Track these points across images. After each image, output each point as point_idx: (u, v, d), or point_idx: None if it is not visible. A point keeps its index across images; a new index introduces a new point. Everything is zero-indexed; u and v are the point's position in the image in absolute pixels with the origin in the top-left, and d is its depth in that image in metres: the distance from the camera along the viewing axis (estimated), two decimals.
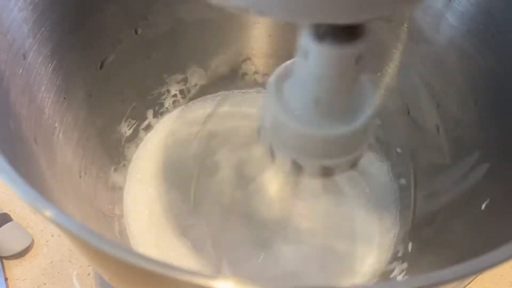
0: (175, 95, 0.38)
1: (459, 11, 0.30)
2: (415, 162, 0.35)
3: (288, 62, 0.22)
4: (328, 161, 0.21)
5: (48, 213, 0.16)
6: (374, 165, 0.36)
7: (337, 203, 0.34)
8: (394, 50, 0.34)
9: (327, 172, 0.22)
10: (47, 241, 0.39)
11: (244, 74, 0.40)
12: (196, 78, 0.39)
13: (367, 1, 0.15)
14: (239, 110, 0.39)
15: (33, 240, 0.39)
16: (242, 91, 0.40)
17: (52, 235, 0.40)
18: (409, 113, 0.36)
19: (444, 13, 0.30)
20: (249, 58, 0.39)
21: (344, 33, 0.18)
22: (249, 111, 0.38)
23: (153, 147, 0.36)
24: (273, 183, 0.34)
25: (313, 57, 0.18)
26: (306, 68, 0.19)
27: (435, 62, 0.32)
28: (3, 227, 0.38)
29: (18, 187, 0.17)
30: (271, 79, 0.21)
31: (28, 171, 0.21)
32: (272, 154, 0.23)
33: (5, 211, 0.40)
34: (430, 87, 0.33)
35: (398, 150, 0.36)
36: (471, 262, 0.16)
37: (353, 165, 0.22)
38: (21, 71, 0.24)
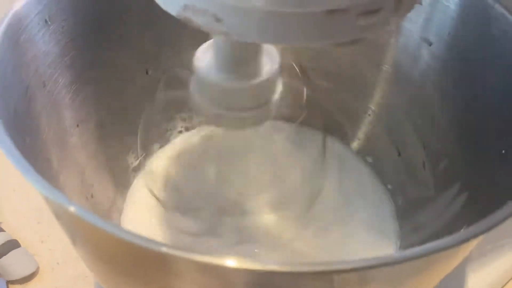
0: (180, 131, 0.41)
1: (439, 54, 0.33)
2: (404, 197, 0.36)
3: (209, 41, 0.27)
4: (242, 113, 0.26)
5: (73, 208, 0.19)
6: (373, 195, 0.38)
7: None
8: (381, 92, 0.37)
9: (241, 124, 0.26)
10: (52, 269, 0.41)
11: None
12: (201, 116, 0.42)
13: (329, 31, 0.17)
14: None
15: (38, 267, 0.40)
16: None
17: (58, 263, 0.41)
18: (399, 154, 0.38)
19: (425, 56, 0.33)
20: None
21: None
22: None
23: (151, 174, 0.38)
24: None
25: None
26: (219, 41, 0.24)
27: (420, 103, 0.35)
28: (11, 252, 0.40)
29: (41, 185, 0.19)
30: (197, 51, 0.27)
31: None
32: (198, 112, 0.27)
33: (14, 237, 0.42)
34: (416, 126, 0.36)
35: (389, 186, 0.38)
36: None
37: (261, 121, 0.26)
38: (41, 96, 0.27)
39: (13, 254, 0.40)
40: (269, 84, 0.25)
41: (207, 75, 0.25)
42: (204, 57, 0.26)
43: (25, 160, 0.19)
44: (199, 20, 0.18)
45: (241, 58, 0.24)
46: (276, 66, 0.25)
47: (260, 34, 0.17)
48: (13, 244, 0.41)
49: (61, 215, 0.22)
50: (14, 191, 0.44)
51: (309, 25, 0.17)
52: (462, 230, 0.27)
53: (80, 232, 0.22)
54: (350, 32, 0.18)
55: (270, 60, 0.25)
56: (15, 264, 0.40)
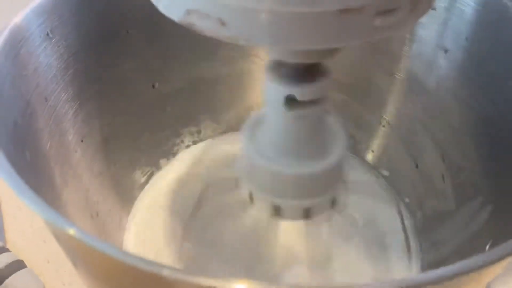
0: (188, 146, 0.40)
1: (456, 62, 0.31)
2: (423, 211, 0.35)
3: (260, 112, 0.23)
4: (305, 201, 0.22)
5: (72, 231, 0.17)
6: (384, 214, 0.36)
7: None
8: (396, 102, 0.36)
9: (306, 214, 0.22)
10: None
11: None
12: (209, 130, 0.41)
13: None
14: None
15: (44, 287, 0.39)
16: None
17: (64, 284, 0.40)
18: (417, 166, 0.36)
19: (441, 64, 0.32)
20: None
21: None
22: None
23: (157, 190, 0.37)
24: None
25: (283, 119, 0.20)
26: (277, 122, 0.21)
27: (437, 112, 0.34)
28: (16, 273, 0.39)
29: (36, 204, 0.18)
30: (245, 126, 0.23)
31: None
32: (251, 200, 0.23)
33: (20, 258, 0.41)
34: (434, 137, 0.34)
35: (407, 200, 0.36)
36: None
37: (332, 205, 0.22)
38: (42, 111, 0.26)
39: (18, 275, 0.39)
40: (338, 167, 0.22)
41: (259, 159, 0.21)
42: (254, 134, 0.22)
43: (19, 178, 0.18)
44: (202, 25, 0.17)
45: (303, 135, 0.21)
46: (344, 144, 0.22)
47: (269, 37, 0.16)
48: (18, 265, 0.40)
49: (59, 237, 0.21)
50: (20, 209, 0.43)
51: (321, 26, 0.16)
52: (487, 246, 0.26)
53: (80, 254, 0.21)
54: (365, 33, 0.16)
55: (335, 136, 0.22)
56: (20, 285, 0.39)
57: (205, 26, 0.17)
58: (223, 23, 0.16)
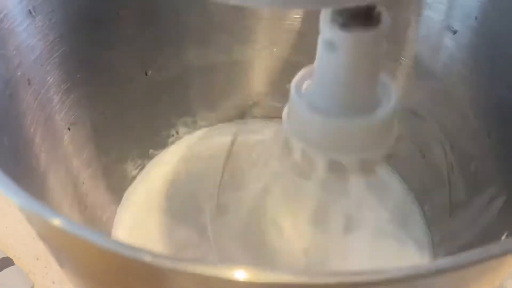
0: (182, 137, 0.38)
1: (465, 43, 0.29)
2: (431, 203, 0.33)
3: (307, 67, 0.22)
4: (365, 154, 0.21)
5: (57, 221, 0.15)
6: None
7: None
8: (400, 89, 0.34)
9: (367, 167, 0.21)
10: None
11: (254, 117, 0.40)
12: (205, 121, 0.39)
13: None
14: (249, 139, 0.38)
15: (33, 286, 0.37)
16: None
17: (53, 282, 0.38)
18: (424, 156, 0.34)
19: (449, 46, 0.30)
20: (258, 102, 0.39)
21: (365, 18, 0.18)
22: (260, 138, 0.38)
23: (150, 183, 0.35)
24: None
25: (343, 46, 0.18)
26: (334, 60, 0.19)
27: (445, 98, 0.32)
28: (4, 271, 0.37)
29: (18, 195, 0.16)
30: (292, 82, 0.22)
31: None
32: (306, 161, 0.22)
33: (8, 255, 0.39)
34: (442, 125, 0.32)
35: (413, 192, 0.35)
36: None
37: (388, 157, 0.22)
38: (25, 94, 0.25)
39: (6, 273, 0.38)
40: (392, 118, 0.21)
41: (314, 113, 0.20)
42: (301, 88, 0.21)
43: None
44: None
45: (361, 86, 0.20)
46: (393, 101, 0.21)
47: None
48: (6, 262, 0.39)
49: (41, 230, 0.19)
50: (9, 205, 0.41)
51: None
52: (503, 238, 0.24)
53: (66, 249, 0.19)
54: None
55: (384, 92, 0.21)
56: (8, 283, 0.37)
57: None
58: None
